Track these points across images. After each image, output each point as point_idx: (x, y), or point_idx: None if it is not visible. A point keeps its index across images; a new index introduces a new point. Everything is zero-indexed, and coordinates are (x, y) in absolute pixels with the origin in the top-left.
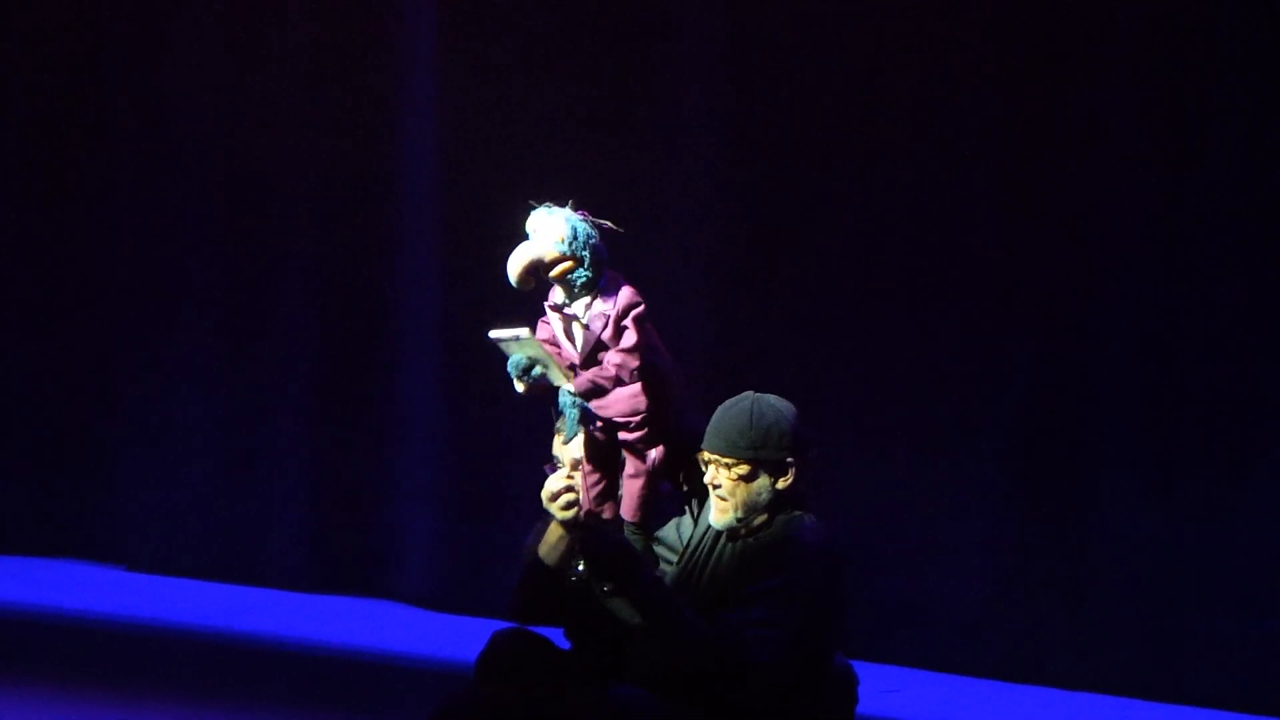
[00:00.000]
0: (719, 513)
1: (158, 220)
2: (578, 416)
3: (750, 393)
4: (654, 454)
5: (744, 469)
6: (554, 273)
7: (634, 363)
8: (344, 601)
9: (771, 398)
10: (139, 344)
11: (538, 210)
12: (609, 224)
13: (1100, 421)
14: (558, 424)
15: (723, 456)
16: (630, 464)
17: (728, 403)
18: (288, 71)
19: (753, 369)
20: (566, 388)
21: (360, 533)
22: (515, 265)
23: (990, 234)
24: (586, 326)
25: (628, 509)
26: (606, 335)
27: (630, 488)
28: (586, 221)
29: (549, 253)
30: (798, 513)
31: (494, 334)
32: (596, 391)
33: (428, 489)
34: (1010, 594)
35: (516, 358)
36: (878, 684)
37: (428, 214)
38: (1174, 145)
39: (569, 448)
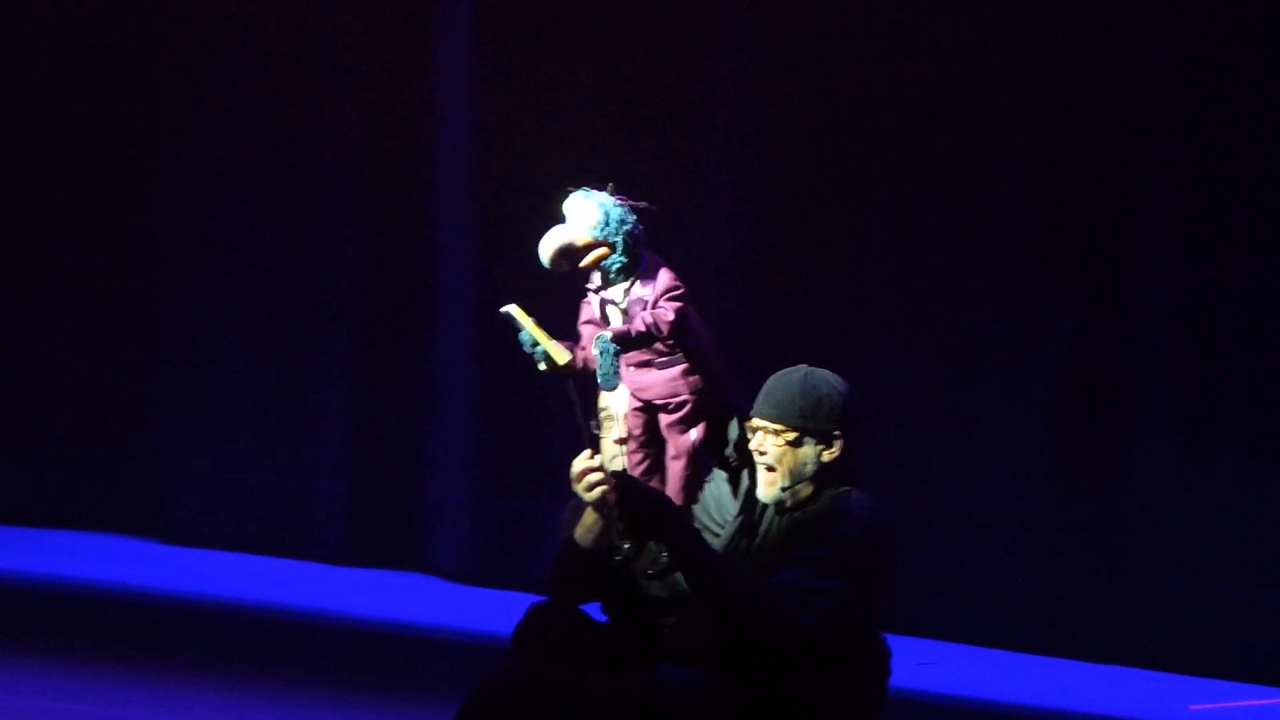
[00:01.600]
0: (766, 485)
1: (199, 191)
2: (613, 364)
3: (804, 365)
4: (695, 434)
5: (791, 435)
6: (587, 259)
7: (667, 317)
8: (382, 575)
9: (825, 372)
10: (178, 316)
11: (574, 194)
12: (646, 204)
13: (1136, 393)
14: (576, 400)
15: (771, 423)
16: (671, 445)
17: (781, 372)
18: (331, 44)
19: (789, 345)
20: (603, 334)
21: (399, 506)
22: (546, 249)
23: (1027, 205)
24: (624, 311)
25: (672, 490)
26: (647, 318)
27: (673, 469)
28: (623, 206)
29: (580, 237)
30: (846, 488)
31: (503, 309)
32: (627, 339)
33: (465, 462)
34: (1046, 567)
35: (524, 334)
36: (911, 657)
37: (464, 189)
38: (1210, 113)
39: (617, 400)
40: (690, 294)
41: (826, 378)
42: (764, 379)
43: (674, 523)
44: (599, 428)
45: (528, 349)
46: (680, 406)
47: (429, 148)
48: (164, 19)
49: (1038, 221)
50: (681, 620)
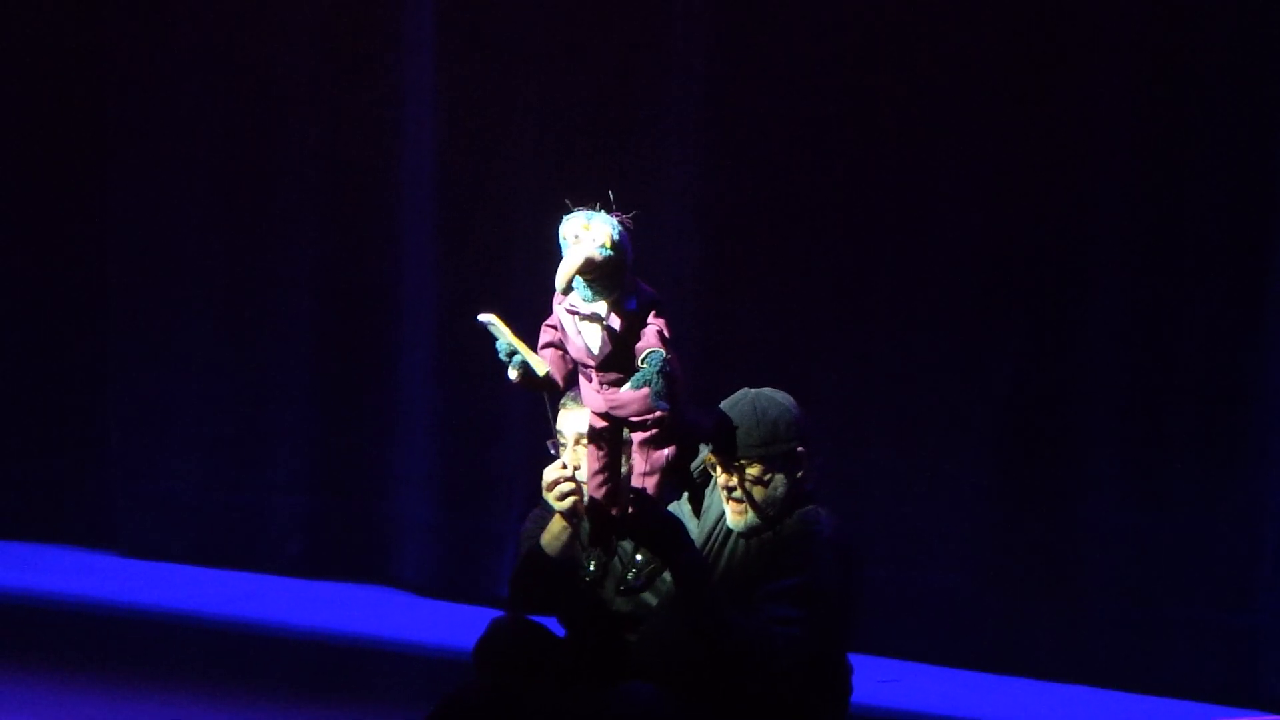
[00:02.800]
0: (735, 515)
1: (156, 203)
2: (661, 382)
3: (746, 389)
4: (666, 452)
5: (756, 469)
6: (605, 279)
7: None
8: (344, 588)
9: (767, 390)
10: (136, 328)
11: (575, 214)
12: (629, 218)
13: (1084, 414)
14: (563, 399)
15: (736, 460)
16: (643, 462)
17: (726, 404)
18: (292, 58)
19: (739, 363)
20: (658, 352)
21: (358, 519)
22: (568, 269)
23: (975, 228)
24: (608, 326)
25: None
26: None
27: (645, 486)
28: (620, 222)
29: (596, 254)
30: (810, 507)
31: (482, 317)
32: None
33: (426, 476)
34: (995, 586)
35: (502, 342)
36: (868, 675)
37: (424, 202)
38: (1157, 138)
39: (573, 422)
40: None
41: (773, 397)
42: (711, 399)
43: (687, 550)
44: (556, 447)
45: (504, 357)
46: (656, 424)
47: (390, 162)
48: (119, 29)
49: (986, 243)
50: (644, 635)
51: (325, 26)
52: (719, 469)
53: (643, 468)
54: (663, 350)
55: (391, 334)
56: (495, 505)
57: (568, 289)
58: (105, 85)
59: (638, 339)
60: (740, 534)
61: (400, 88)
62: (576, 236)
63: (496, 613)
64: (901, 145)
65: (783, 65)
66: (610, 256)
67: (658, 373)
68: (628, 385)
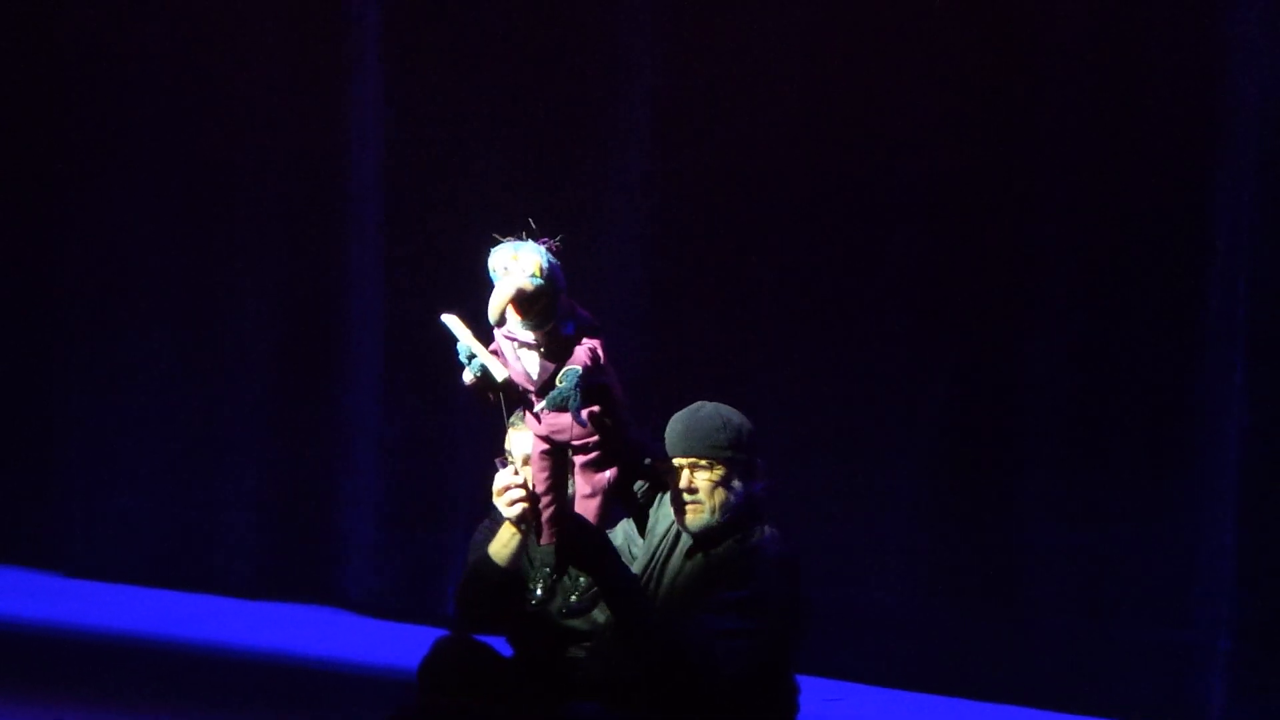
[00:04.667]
0: (693, 514)
1: (106, 223)
2: (576, 396)
3: (703, 401)
4: (609, 474)
5: (721, 470)
6: (537, 308)
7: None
8: (291, 609)
9: (721, 404)
10: (84, 346)
11: (502, 245)
12: (556, 243)
13: (1025, 434)
14: (509, 419)
15: (701, 459)
16: (585, 485)
17: (688, 410)
18: (243, 80)
19: (679, 379)
20: (574, 369)
21: (307, 539)
22: (499, 300)
23: (915, 246)
24: (543, 354)
25: None
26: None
27: (586, 508)
28: (549, 249)
29: (527, 284)
30: (757, 524)
31: (445, 318)
32: (595, 371)
33: (373, 496)
34: (937, 605)
35: (462, 345)
36: (813, 695)
37: (373, 226)
38: (1098, 163)
39: (521, 442)
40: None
41: (731, 409)
42: (656, 416)
43: (614, 565)
44: (504, 465)
45: (463, 359)
46: (596, 447)
47: (340, 186)
48: (75, 51)
49: (928, 263)
50: (591, 653)
51: (277, 43)
52: (683, 471)
53: (585, 490)
54: (579, 367)
55: (340, 356)
56: (441, 525)
57: (501, 320)
58: (59, 101)
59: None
60: (693, 536)
61: (349, 115)
62: (505, 268)
63: (442, 632)
64: (845, 168)
65: (730, 87)
66: (541, 285)
67: (574, 388)
68: (542, 404)
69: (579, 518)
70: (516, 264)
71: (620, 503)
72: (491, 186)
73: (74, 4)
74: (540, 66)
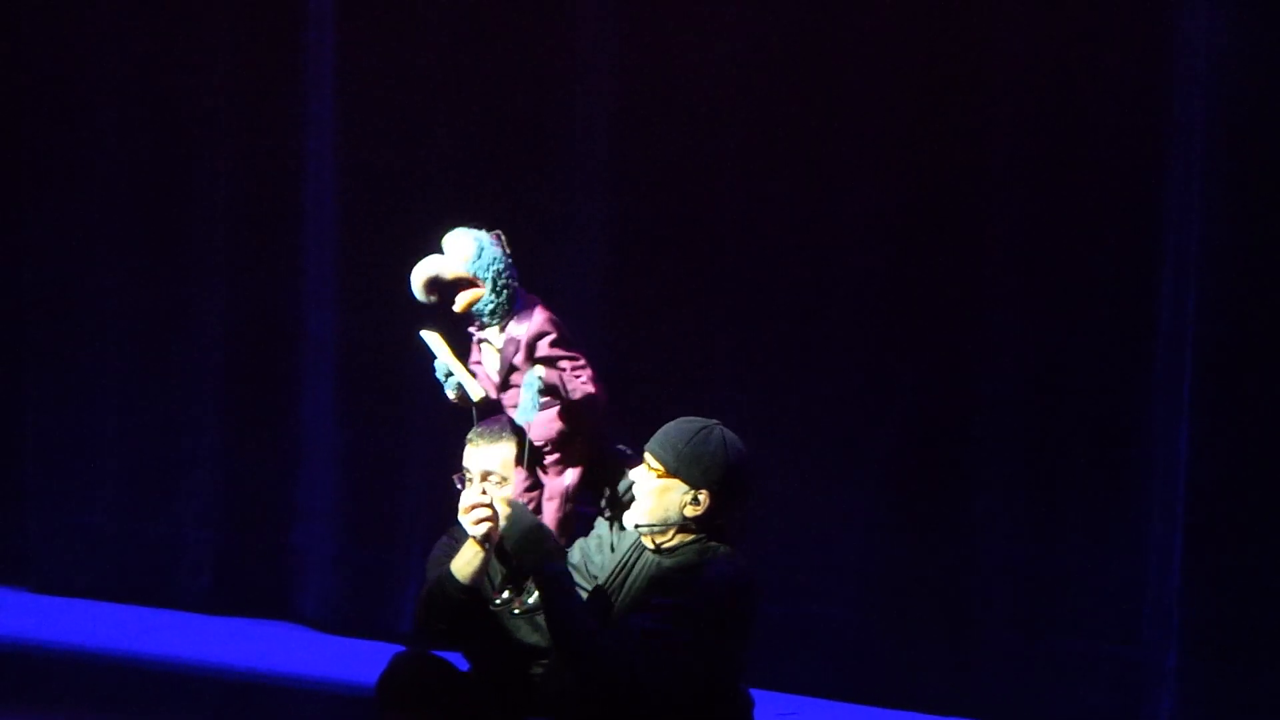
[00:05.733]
0: (631, 510)
1: (64, 239)
2: (536, 399)
3: (716, 422)
4: (570, 477)
5: (661, 474)
6: (461, 303)
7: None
8: (248, 624)
9: (733, 437)
10: (42, 363)
11: (455, 230)
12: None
13: (978, 448)
14: (469, 435)
15: (652, 457)
16: (547, 488)
17: (687, 418)
18: (198, 94)
19: (636, 391)
20: (537, 371)
21: (266, 555)
22: (417, 277)
23: (871, 261)
24: (500, 351)
25: None
26: (518, 360)
27: (546, 510)
28: (498, 247)
29: (451, 269)
30: (715, 544)
31: (423, 333)
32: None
33: (330, 512)
34: (889, 620)
35: (439, 362)
36: (767, 709)
37: (330, 240)
38: (1050, 182)
39: (479, 459)
40: (572, 336)
41: (728, 439)
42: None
43: (549, 558)
44: (462, 482)
45: (440, 377)
46: (556, 449)
47: (295, 199)
48: (29, 65)
49: (883, 281)
50: (549, 670)
51: (229, 60)
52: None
53: (545, 493)
54: (540, 368)
55: (297, 371)
56: (399, 540)
57: (426, 296)
58: (18, 120)
59: (529, 365)
60: (644, 554)
61: (303, 128)
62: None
63: (399, 648)
64: (802, 184)
65: (688, 100)
66: (467, 272)
67: (537, 392)
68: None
69: (519, 505)
70: (450, 246)
71: (608, 506)
72: (447, 201)
73: (24, 25)
74: (496, 79)
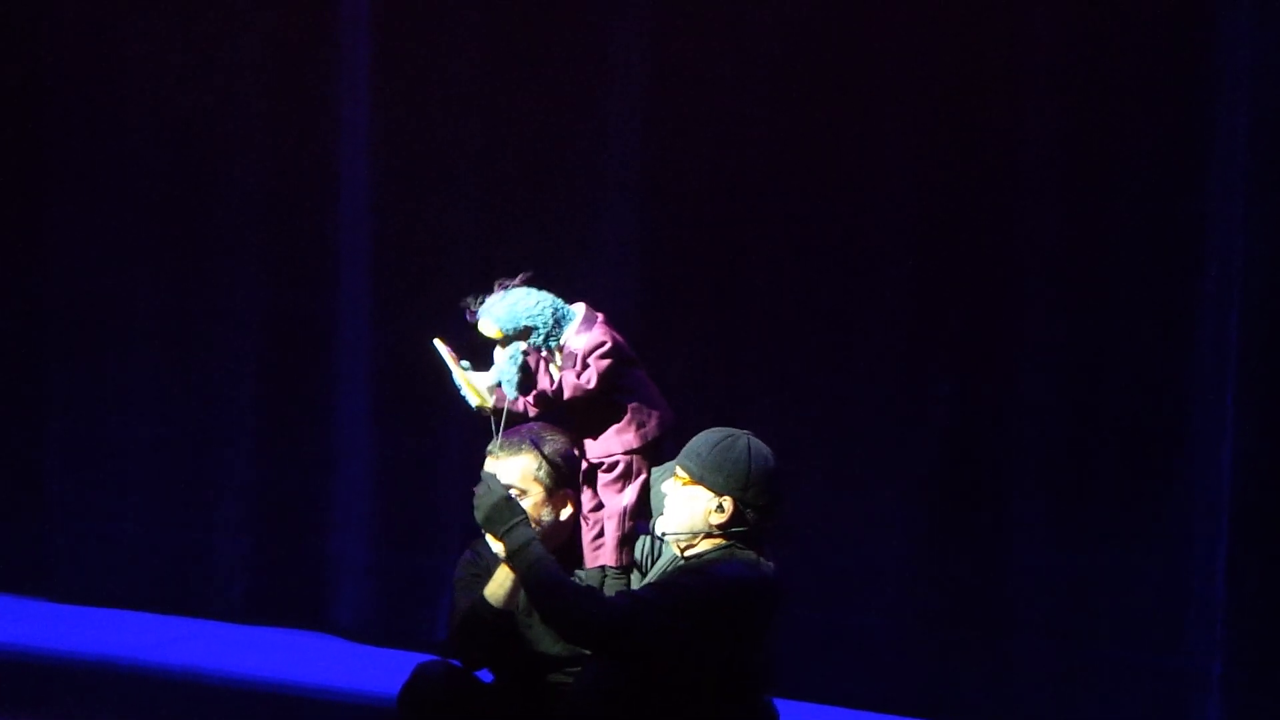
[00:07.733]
0: (660, 518)
1: (93, 243)
2: (516, 378)
3: (745, 432)
4: (628, 497)
5: (688, 483)
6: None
7: (586, 387)
8: (281, 633)
9: (759, 446)
10: (75, 371)
11: (480, 315)
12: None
13: (1014, 457)
14: (489, 448)
15: (679, 467)
16: (606, 506)
17: (715, 428)
18: (231, 100)
19: (670, 403)
20: (517, 344)
21: (298, 564)
22: (473, 396)
23: (907, 272)
24: (560, 366)
25: (607, 553)
26: (573, 373)
27: (606, 529)
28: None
29: (496, 333)
30: (732, 545)
31: (435, 342)
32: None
33: (364, 519)
34: (924, 629)
35: (453, 375)
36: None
37: (360, 244)
38: (1087, 186)
39: (499, 471)
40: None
41: (752, 448)
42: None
43: (516, 527)
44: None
45: (457, 382)
46: (613, 466)
47: (330, 205)
48: (57, 71)
49: (918, 288)
50: (577, 682)
51: (264, 67)
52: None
53: (605, 512)
54: (523, 343)
55: (330, 377)
56: (433, 548)
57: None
58: (52, 128)
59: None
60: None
61: (337, 134)
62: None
63: (423, 657)
64: (835, 193)
65: (720, 112)
66: (507, 334)
67: (518, 368)
68: (489, 377)
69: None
70: (482, 321)
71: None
72: (481, 209)
73: (56, 28)
74: (530, 89)
